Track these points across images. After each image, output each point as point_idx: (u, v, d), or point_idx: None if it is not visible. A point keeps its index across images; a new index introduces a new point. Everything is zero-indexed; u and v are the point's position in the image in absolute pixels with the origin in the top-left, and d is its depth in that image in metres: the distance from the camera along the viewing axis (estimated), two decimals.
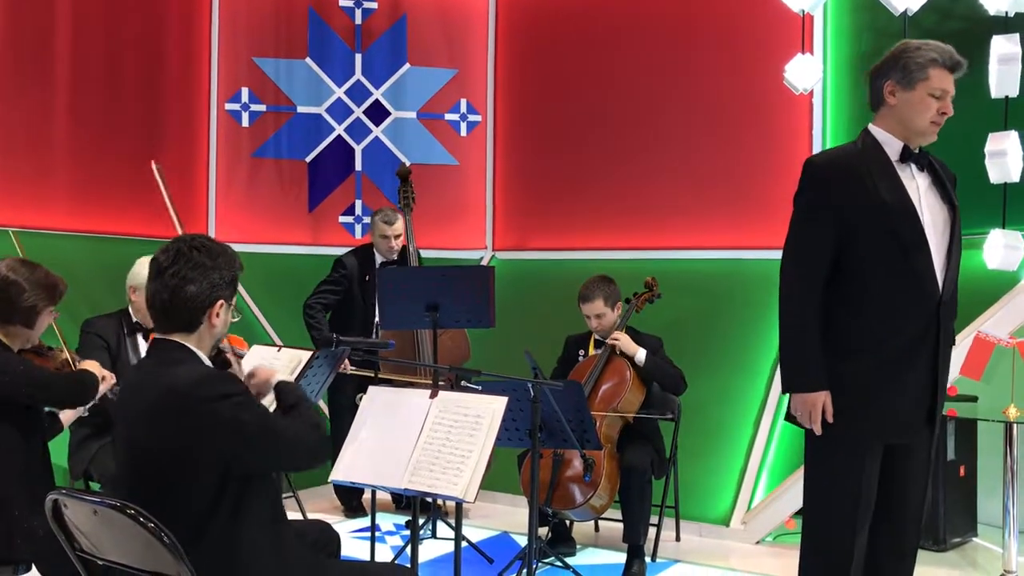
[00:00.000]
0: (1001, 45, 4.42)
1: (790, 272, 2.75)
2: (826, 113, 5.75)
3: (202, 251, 2.23)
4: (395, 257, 5.25)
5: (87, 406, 3.17)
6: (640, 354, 4.35)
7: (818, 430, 2.67)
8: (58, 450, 3.80)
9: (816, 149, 5.74)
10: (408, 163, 6.61)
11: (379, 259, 5.27)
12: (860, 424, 2.68)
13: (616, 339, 4.37)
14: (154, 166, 4.47)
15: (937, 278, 2.67)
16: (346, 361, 4.69)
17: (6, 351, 2.93)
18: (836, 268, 2.72)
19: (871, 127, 2.80)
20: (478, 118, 6.75)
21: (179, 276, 2.20)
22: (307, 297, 5.26)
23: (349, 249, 5.48)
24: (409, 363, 4.85)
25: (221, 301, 2.26)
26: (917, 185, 2.72)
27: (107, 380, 3.27)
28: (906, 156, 2.73)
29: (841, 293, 2.70)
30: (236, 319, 2.40)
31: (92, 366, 3.15)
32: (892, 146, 2.73)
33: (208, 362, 2.29)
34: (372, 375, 4.49)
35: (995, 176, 4.44)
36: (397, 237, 5.18)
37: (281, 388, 2.43)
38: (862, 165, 2.71)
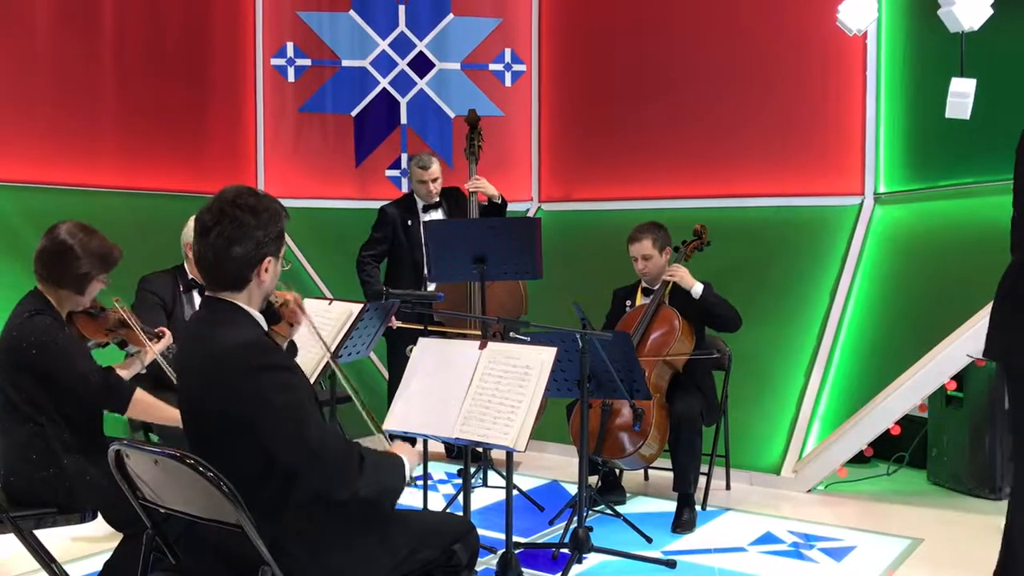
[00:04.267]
0: None
1: None
2: (881, 55, 5.59)
3: (245, 210, 2.17)
4: (436, 200, 5.24)
5: (144, 367, 3.22)
6: (697, 287, 4.32)
7: None
8: None
9: (871, 92, 5.60)
10: (453, 115, 6.58)
11: (420, 203, 5.27)
12: None
13: (673, 273, 4.35)
14: None
15: None
16: (392, 319, 4.73)
17: (57, 321, 2.97)
18: None
19: None
20: (523, 68, 6.68)
21: (224, 237, 2.16)
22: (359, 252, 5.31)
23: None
24: (460, 315, 4.87)
25: (268, 258, 2.22)
26: None
27: (166, 338, 3.32)
28: None
29: None
30: (286, 267, 2.35)
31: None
32: None
33: (258, 317, 2.28)
34: (422, 327, 4.52)
35: None
36: (435, 181, 5.17)
37: None
38: None
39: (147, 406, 3.05)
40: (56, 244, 2.94)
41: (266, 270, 2.23)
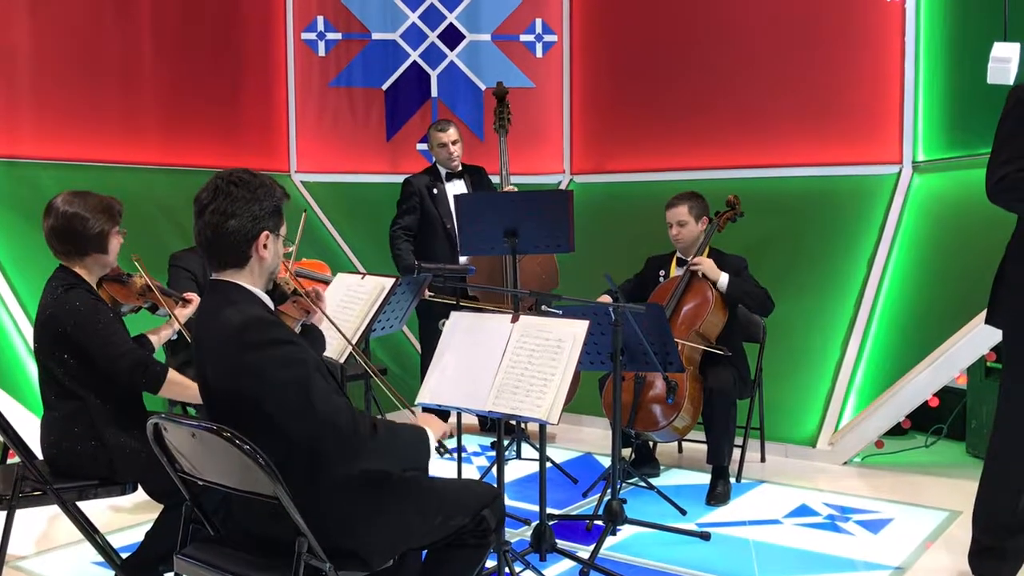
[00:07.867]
0: None
1: (1008, 176, 2.92)
2: (920, 18, 5.46)
3: (239, 185, 2.20)
4: (458, 166, 5.23)
5: (175, 333, 3.24)
6: (723, 279, 4.28)
7: None
8: None
9: (909, 59, 5.48)
10: (484, 87, 6.55)
11: (443, 171, 5.26)
12: None
13: (697, 263, 4.31)
14: None
15: None
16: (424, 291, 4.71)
17: (93, 295, 3.00)
18: None
19: None
20: (554, 38, 6.62)
21: (219, 212, 2.18)
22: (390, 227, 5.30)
23: None
24: (493, 288, 4.87)
25: (266, 232, 2.23)
26: None
27: (193, 303, 3.32)
28: None
29: None
30: (289, 248, 2.35)
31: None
32: None
33: (264, 297, 2.28)
34: (455, 302, 4.52)
35: None
36: (455, 143, 5.16)
37: None
38: None
39: (181, 387, 3.05)
40: (61, 217, 2.98)
41: (265, 246, 2.23)
